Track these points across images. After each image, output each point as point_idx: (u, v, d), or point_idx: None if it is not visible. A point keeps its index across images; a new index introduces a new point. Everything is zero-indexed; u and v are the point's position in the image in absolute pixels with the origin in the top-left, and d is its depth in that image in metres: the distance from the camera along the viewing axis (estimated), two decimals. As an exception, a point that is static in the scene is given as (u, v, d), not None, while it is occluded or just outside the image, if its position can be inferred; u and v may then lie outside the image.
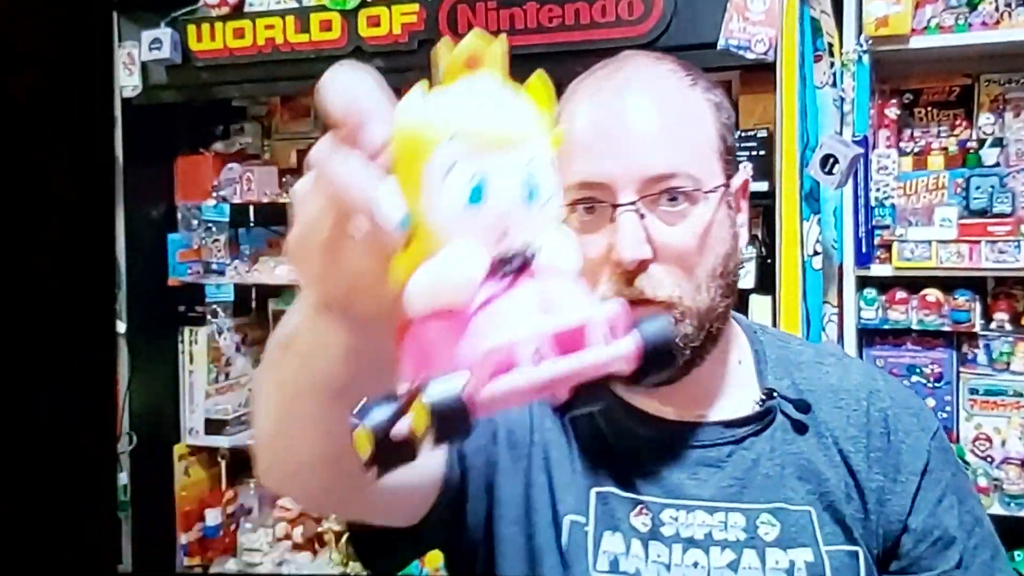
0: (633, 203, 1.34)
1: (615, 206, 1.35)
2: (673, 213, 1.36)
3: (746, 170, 1.49)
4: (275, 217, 4.39)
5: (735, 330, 1.57)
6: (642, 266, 1.35)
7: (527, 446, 1.49)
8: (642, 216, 1.35)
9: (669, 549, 1.44)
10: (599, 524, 1.45)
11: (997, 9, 3.13)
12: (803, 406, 1.50)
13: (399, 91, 0.76)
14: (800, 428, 1.50)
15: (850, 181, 3.16)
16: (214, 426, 4.16)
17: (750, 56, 3.14)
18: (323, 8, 3.68)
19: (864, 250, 3.25)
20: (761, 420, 1.49)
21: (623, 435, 1.48)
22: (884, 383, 1.57)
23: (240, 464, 4.31)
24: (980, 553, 1.49)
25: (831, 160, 3.04)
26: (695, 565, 1.42)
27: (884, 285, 3.32)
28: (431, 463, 1.39)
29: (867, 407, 1.52)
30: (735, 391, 1.52)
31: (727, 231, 1.42)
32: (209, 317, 4.17)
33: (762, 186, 3.24)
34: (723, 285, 1.42)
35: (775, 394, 1.51)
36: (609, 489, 1.46)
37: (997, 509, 3.16)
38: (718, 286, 1.41)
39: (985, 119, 3.36)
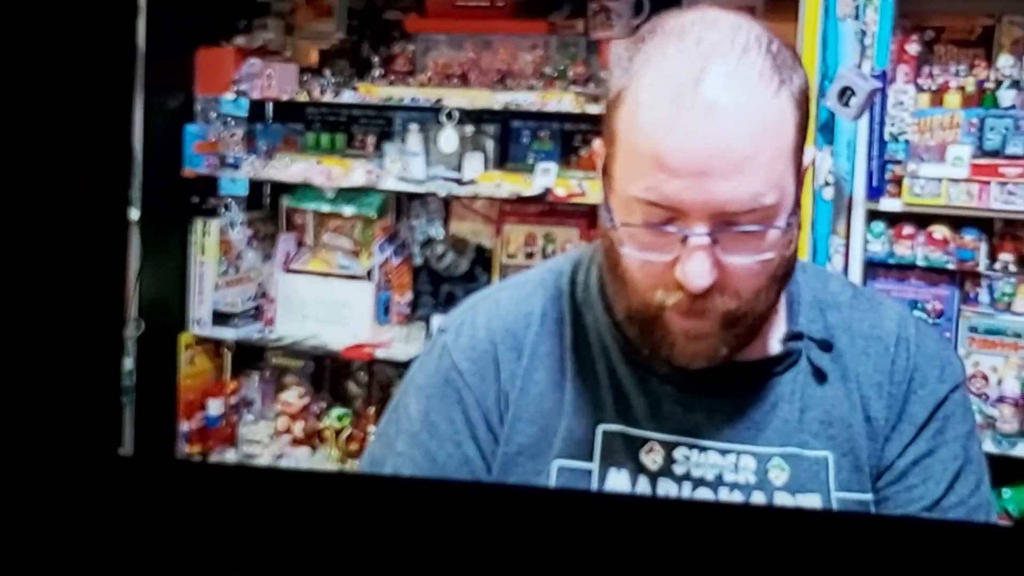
0: (707, 234, 1.29)
1: (685, 237, 1.29)
2: (745, 238, 1.30)
3: (809, 152, 1.40)
4: (293, 115, 4.39)
5: None
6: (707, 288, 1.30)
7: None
8: (714, 242, 1.29)
9: (678, 486, 1.44)
10: (604, 462, 1.46)
11: (1025, -49, 3.12)
12: (826, 346, 1.47)
13: None
14: (821, 373, 1.47)
15: (866, 114, 3.17)
16: (221, 318, 4.21)
17: (775, -17, 3.13)
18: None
19: (875, 184, 3.27)
20: (783, 362, 1.47)
21: (639, 372, 1.47)
22: (916, 332, 1.53)
23: (244, 356, 4.37)
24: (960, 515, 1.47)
25: (848, 92, 3.05)
26: None
27: (893, 219, 3.33)
28: None
29: (894, 354, 1.49)
30: (763, 333, 1.46)
31: (793, 232, 1.36)
32: (222, 209, 4.19)
33: (778, 114, 3.21)
34: (782, 280, 1.39)
35: (802, 336, 1.48)
36: (618, 427, 1.46)
37: (989, 447, 3.21)
38: (778, 288, 1.39)
39: (1005, 61, 3.35)
